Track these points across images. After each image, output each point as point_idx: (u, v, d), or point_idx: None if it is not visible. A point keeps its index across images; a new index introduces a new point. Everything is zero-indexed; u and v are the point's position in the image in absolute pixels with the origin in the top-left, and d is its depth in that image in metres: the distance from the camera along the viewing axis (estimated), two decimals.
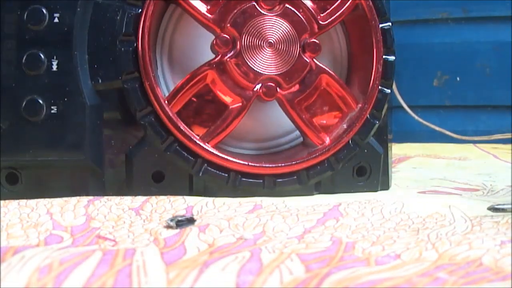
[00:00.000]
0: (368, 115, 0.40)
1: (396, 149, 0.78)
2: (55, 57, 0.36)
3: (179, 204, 0.37)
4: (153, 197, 0.38)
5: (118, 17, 0.37)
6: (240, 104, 0.38)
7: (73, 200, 0.36)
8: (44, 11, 0.36)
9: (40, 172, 0.37)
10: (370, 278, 0.23)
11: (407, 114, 0.87)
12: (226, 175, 0.38)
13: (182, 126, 0.37)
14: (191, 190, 0.38)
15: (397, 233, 0.31)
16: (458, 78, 0.95)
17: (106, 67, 0.37)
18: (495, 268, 0.24)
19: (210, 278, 0.23)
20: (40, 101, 0.36)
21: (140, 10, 0.36)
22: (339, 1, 0.39)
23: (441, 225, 0.32)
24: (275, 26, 0.38)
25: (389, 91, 0.41)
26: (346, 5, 0.39)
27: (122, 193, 0.38)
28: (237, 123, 0.38)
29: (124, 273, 0.23)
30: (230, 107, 0.38)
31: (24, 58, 0.36)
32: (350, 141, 0.40)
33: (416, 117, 0.88)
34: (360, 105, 0.40)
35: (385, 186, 0.42)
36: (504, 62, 0.93)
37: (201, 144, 0.37)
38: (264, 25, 0.38)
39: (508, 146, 0.79)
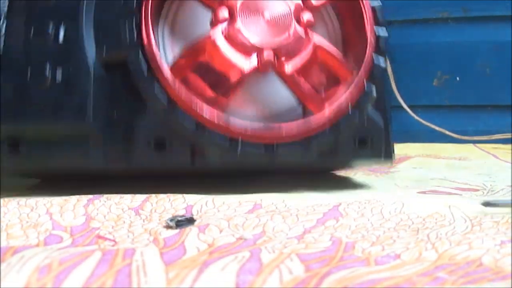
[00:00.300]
0: (365, 85, 0.41)
1: (396, 149, 0.78)
2: (62, 28, 0.37)
3: (178, 204, 0.37)
4: (153, 195, 0.38)
5: None
6: (239, 76, 0.39)
7: (73, 199, 0.36)
8: None
9: (41, 140, 0.37)
10: (370, 277, 0.23)
11: (407, 114, 0.87)
12: (228, 140, 0.38)
13: (184, 93, 0.37)
14: (193, 158, 0.38)
15: (397, 233, 0.31)
16: (458, 78, 0.95)
17: (111, 39, 0.38)
18: (495, 268, 0.24)
19: (210, 278, 0.23)
20: (46, 70, 0.37)
21: None
22: None
23: (441, 225, 0.32)
24: (271, 2, 0.39)
25: (383, 64, 0.42)
26: None
27: (123, 162, 0.38)
28: (237, 93, 0.39)
29: (124, 273, 0.23)
30: (230, 78, 0.39)
31: (32, 28, 0.37)
32: (349, 110, 0.40)
33: (416, 117, 0.88)
34: (356, 74, 0.41)
35: (389, 156, 0.43)
36: (504, 62, 0.93)
37: (203, 111, 0.37)
38: (261, 1, 0.39)
39: (508, 146, 0.79)
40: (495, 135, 0.86)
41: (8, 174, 0.41)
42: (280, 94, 0.41)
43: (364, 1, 0.42)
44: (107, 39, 0.38)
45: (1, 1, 0.38)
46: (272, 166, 0.39)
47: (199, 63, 0.39)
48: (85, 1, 0.38)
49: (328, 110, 0.40)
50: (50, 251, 0.25)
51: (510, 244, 0.27)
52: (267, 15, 0.39)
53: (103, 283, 0.22)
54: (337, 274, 0.23)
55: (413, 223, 0.33)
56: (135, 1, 0.38)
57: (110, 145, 0.38)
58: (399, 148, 0.78)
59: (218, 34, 0.38)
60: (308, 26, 0.40)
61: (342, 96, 0.40)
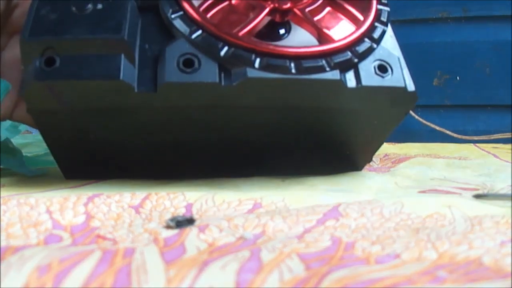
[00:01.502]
0: (374, 23, 0.44)
1: (396, 149, 0.78)
2: None
3: (179, 202, 0.37)
4: (153, 193, 0.38)
5: None
6: (258, 11, 0.42)
7: (73, 197, 0.36)
8: None
9: (77, 52, 0.39)
10: (370, 276, 0.23)
11: (407, 114, 0.87)
12: (253, 56, 0.40)
13: (209, 19, 0.41)
14: (220, 75, 0.40)
15: (397, 232, 0.31)
16: (458, 78, 0.95)
17: None
18: (495, 267, 0.24)
19: (210, 276, 0.23)
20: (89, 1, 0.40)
21: None
22: None
23: (441, 225, 0.32)
24: None
25: (386, 8, 0.46)
26: None
27: (153, 81, 0.40)
28: (258, 24, 0.42)
29: (124, 272, 0.23)
30: (252, 16, 0.42)
31: None
32: (364, 38, 0.44)
33: (416, 117, 0.88)
34: (365, 16, 0.45)
35: (409, 85, 0.45)
36: (504, 62, 0.93)
37: (229, 33, 0.40)
38: None
39: (508, 145, 0.79)
40: (495, 135, 0.86)
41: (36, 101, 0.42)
42: (298, 35, 0.44)
43: None
44: None
45: None
46: (297, 83, 0.41)
47: (221, 8, 0.43)
48: None
49: (342, 40, 0.42)
50: (50, 250, 0.25)
51: (510, 244, 0.27)
52: None
53: (103, 283, 0.22)
54: (337, 273, 0.23)
55: (413, 222, 0.33)
56: None
57: (142, 64, 0.40)
58: (399, 148, 0.78)
59: None
60: None
61: (358, 32, 0.43)
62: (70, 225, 0.32)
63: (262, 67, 0.40)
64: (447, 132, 0.87)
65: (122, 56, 0.39)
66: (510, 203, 0.38)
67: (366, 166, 0.57)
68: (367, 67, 0.43)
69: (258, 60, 0.40)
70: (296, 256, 0.26)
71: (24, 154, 0.52)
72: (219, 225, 0.31)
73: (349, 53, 0.42)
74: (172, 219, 0.32)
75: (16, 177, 0.49)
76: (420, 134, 0.90)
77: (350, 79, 0.42)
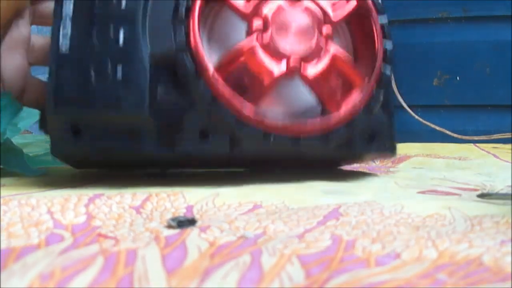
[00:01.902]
0: (374, 90, 0.48)
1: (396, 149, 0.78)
2: (121, 31, 0.42)
3: (179, 204, 0.37)
4: (153, 194, 0.38)
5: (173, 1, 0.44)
6: (271, 78, 0.45)
7: (74, 198, 0.36)
8: None
9: (102, 126, 0.42)
10: (370, 280, 0.23)
11: (407, 114, 0.87)
12: (262, 133, 0.44)
13: (227, 91, 0.43)
14: (232, 147, 0.44)
15: (397, 228, 0.31)
16: (458, 78, 0.95)
17: (163, 41, 0.43)
18: (495, 267, 0.24)
19: (212, 286, 0.23)
20: (108, 68, 0.42)
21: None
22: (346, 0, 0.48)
23: (441, 225, 0.32)
24: (298, 17, 0.45)
25: (389, 72, 0.49)
26: (352, 3, 0.47)
27: (171, 149, 0.43)
28: (269, 93, 0.45)
29: (126, 281, 0.23)
30: (263, 81, 0.45)
31: (95, 31, 0.42)
32: (361, 110, 0.47)
33: (416, 117, 0.89)
34: (367, 81, 0.47)
35: (393, 150, 0.51)
36: (504, 62, 0.93)
37: (242, 107, 0.43)
38: (289, 15, 0.45)
39: (508, 146, 0.79)
40: (495, 135, 0.86)
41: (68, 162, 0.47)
42: (303, 95, 0.47)
43: (374, 20, 0.48)
44: (160, 41, 0.43)
45: (67, 4, 0.43)
46: (297, 156, 0.45)
47: (237, 66, 0.44)
48: (141, 6, 0.43)
49: (343, 110, 0.46)
50: (52, 257, 0.25)
51: (510, 244, 0.27)
52: (294, 26, 0.45)
53: None
54: (338, 279, 0.23)
55: (413, 221, 0.33)
56: (184, 8, 0.43)
57: (162, 134, 0.43)
58: (399, 148, 0.78)
59: (253, 42, 0.44)
60: (327, 38, 0.46)
61: (356, 99, 0.47)
62: (71, 224, 0.32)
63: (268, 143, 0.44)
64: (447, 132, 0.87)
65: (145, 129, 0.42)
66: (510, 203, 0.38)
67: (366, 166, 0.57)
68: (357, 136, 0.48)
69: (265, 136, 0.44)
70: (296, 259, 0.26)
71: (25, 154, 0.52)
72: (220, 226, 0.31)
73: (345, 129, 0.46)
74: (173, 219, 0.32)
75: (16, 177, 0.49)
76: (420, 134, 0.90)
77: (340, 148, 0.47)
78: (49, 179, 0.48)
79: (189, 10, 0.43)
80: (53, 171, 0.53)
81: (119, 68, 0.42)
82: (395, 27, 0.49)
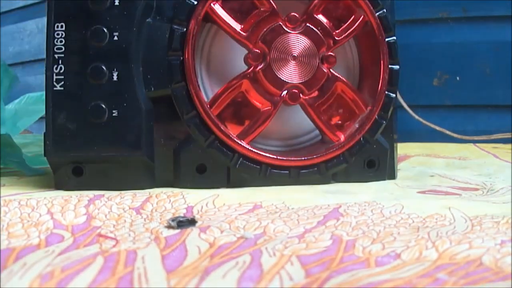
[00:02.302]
0: (376, 116, 0.47)
1: None
2: (115, 69, 0.42)
3: (179, 204, 0.37)
4: (154, 196, 0.38)
5: (167, 35, 0.42)
6: (269, 108, 0.44)
7: (73, 199, 0.36)
8: (105, 30, 0.41)
9: (101, 166, 0.42)
10: (370, 280, 0.23)
11: (407, 114, 0.87)
12: (259, 167, 0.44)
13: (222, 126, 0.43)
14: (229, 180, 0.44)
15: (397, 229, 0.31)
16: (458, 78, 0.95)
17: (157, 77, 0.43)
18: (495, 268, 0.24)
19: (211, 285, 0.23)
20: (103, 106, 0.41)
21: (185, 29, 0.42)
22: (351, 20, 0.46)
23: (441, 225, 0.32)
24: (298, 42, 0.44)
25: (394, 95, 0.48)
26: (357, 23, 0.46)
27: (170, 184, 0.43)
28: (267, 124, 0.45)
29: (126, 280, 0.23)
30: (261, 110, 0.45)
31: (89, 70, 0.41)
32: (361, 138, 0.46)
33: (416, 117, 0.88)
34: (369, 107, 0.47)
35: (392, 176, 0.49)
36: (504, 62, 0.93)
37: (238, 141, 0.43)
38: (288, 41, 0.44)
39: (508, 145, 0.79)
40: (495, 135, 0.86)
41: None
42: (301, 124, 0.47)
43: (381, 37, 0.47)
44: (154, 77, 0.42)
45: (59, 39, 0.41)
46: (295, 185, 0.45)
47: (234, 97, 0.44)
48: (134, 44, 0.42)
49: (343, 138, 0.46)
50: (52, 257, 0.25)
51: (510, 244, 0.27)
52: (295, 54, 0.44)
53: None
54: (337, 278, 0.23)
55: (413, 221, 0.33)
56: (178, 42, 0.42)
57: (159, 170, 0.44)
58: (399, 148, 0.78)
59: (254, 71, 0.44)
60: (330, 65, 0.45)
61: (356, 127, 0.46)
62: (71, 224, 0.32)
63: (266, 176, 0.44)
64: (447, 132, 0.87)
65: (143, 168, 0.43)
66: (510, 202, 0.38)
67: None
68: (357, 164, 0.47)
69: (263, 171, 0.44)
70: (296, 260, 0.26)
71: (24, 154, 0.52)
72: (220, 226, 0.31)
73: (344, 158, 0.46)
74: (173, 219, 0.32)
75: (16, 177, 0.49)
76: (420, 134, 0.90)
77: (337, 175, 0.47)
78: (49, 179, 0.48)
79: (184, 37, 0.43)
80: None
81: (114, 107, 0.42)
82: (395, 27, 0.49)
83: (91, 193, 0.38)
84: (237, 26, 0.43)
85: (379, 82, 0.47)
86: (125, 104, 0.42)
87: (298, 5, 0.45)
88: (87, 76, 0.41)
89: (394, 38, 0.48)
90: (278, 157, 0.44)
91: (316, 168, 0.45)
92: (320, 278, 0.23)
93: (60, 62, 0.42)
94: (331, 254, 0.27)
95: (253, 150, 0.44)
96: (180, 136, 0.44)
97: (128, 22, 0.42)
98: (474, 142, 0.84)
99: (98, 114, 0.41)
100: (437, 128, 0.87)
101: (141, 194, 0.38)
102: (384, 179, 0.48)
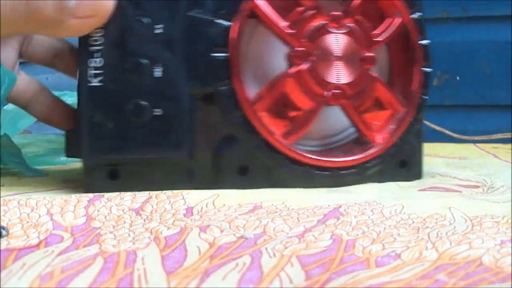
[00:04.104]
0: (411, 120, 0.47)
1: None
2: (158, 65, 0.39)
3: (179, 205, 0.37)
4: (153, 197, 0.38)
5: (210, 30, 0.40)
6: (313, 108, 0.43)
7: (73, 200, 0.36)
8: (148, 22, 0.39)
9: (139, 168, 0.40)
10: (370, 282, 0.23)
11: None
12: (302, 168, 0.43)
13: (267, 126, 0.42)
14: (271, 182, 0.43)
15: (397, 230, 0.31)
16: (458, 78, 0.95)
17: (200, 74, 0.40)
18: (495, 268, 0.24)
19: (211, 286, 0.23)
20: (145, 104, 0.39)
21: (229, 24, 0.41)
22: (388, 21, 0.46)
23: (441, 225, 0.32)
24: (342, 42, 0.43)
25: (427, 97, 0.48)
26: (395, 24, 0.46)
27: (209, 185, 0.41)
28: (310, 124, 0.44)
29: (126, 282, 0.23)
30: (304, 110, 0.44)
31: (130, 66, 0.39)
32: (397, 139, 0.46)
33: None
34: (405, 109, 0.47)
35: (419, 176, 0.49)
36: (504, 62, 0.93)
37: (283, 142, 0.42)
38: (333, 40, 0.43)
39: (508, 145, 0.79)
40: (495, 135, 0.86)
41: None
42: (340, 124, 0.47)
43: (416, 39, 0.47)
44: (197, 74, 0.40)
45: (94, 37, 0.39)
46: (335, 186, 0.44)
47: (278, 96, 0.43)
48: (177, 38, 0.39)
49: (381, 139, 0.46)
50: (51, 257, 0.25)
51: (510, 244, 0.27)
52: (339, 54, 0.43)
53: None
54: (337, 280, 0.23)
55: (413, 222, 0.33)
56: (223, 38, 0.40)
57: (198, 171, 0.42)
58: None
59: (297, 71, 0.42)
60: (370, 65, 0.45)
61: (393, 128, 0.46)
62: (70, 225, 0.32)
63: (308, 176, 0.44)
64: (447, 132, 0.87)
65: (184, 170, 0.41)
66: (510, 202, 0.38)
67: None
68: (390, 164, 0.47)
69: (305, 170, 0.43)
70: (296, 260, 0.26)
71: (24, 154, 0.52)
72: (220, 225, 0.31)
73: (381, 158, 0.46)
74: None
75: (16, 177, 0.49)
76: None
77: (373, 175, 0.46)
78: (49, 180, 0.48)
79: (228, 33, 0.41)
80: (53, 171, 0.53)
81: (156, 105, 0.39)
82: None
83: (91, 194, 0.38)
84: (281, 23, 0.42)
85: (414, 84, 0.47)
86: (168, 102, 0.40)
87: (333, 4, 0.44)
88: (128, 71, 0.39)
89: (428, 41, 0.48)
90: (320, 158, 0.44)
91: (356, 169, 0.45)
92: (320, 280, 0.23)
93: (97, 56, 0.39)
94: (331, 254, 0.27)
95: (297, 150, 0.43)
96: (220, 136, 0.42)
97: (172, 14, 0.40)
98: (474, 142, 0.84)
99: (140, 113, 0.39)
100: (437, 128, 0.87)
101: (140, 195, 0.38)
102: (414, 179, 0.48)
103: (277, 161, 0.43)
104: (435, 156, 0.70)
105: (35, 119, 0.55)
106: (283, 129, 0.43)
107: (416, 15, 0.47)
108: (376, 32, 0.45)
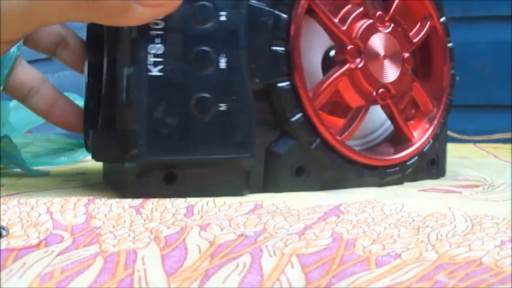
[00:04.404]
0: (442, 120, 0.48)
1: None
2: (222, 55, 0.36)
3: (179, 203, 0.37)
4: None
5: (271, 22, 0.38)
6: (363, 105, 0.43)
7: (73, 198, 0.36)
8: (212, 8, 0.36)
9: (199, 171, 0.37)
10: (371, 287, 0.23)
11: None
12: (355, 167, 0.43)
13: (326, 125, 0.41)
14: (323, 183, 0.42)
15: (398, 230, 0.31)
16: (458, 78, 0.95)
17: (261, 67, 0.38)
18: (495, 268, 0.24)
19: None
20: (210, 98, 0.36)
21: (289, 17, 0.39)
22: (421, 23, 0.47)
23: (441, 224, 0.32)
24: (387, 41, 0.44)
25: (452, 98, 0.49)
26: (427, 27, 0.47)
27: (262, 188, 0.40)
28: (361, 123, 0.43)
29: (126, 283, 0.23)
30: (354, 108, 0.43)
31: (193, 55, 0.36)
32: (430, 138, 0.47)
33: None
34: (435, 108, 0.48)
35: (443, 173, 0.51)
36: (504, 62, 0.93)
37: (339, 141, 0.41)
38: (380, 39, 0.43)
39: (508, 145, 0.79)
40: (495, 135, 0.86)
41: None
42: (380, 123, 0.47)
43: (444, 42, 0.48)
44: (258, 68, 0.38)
45: (156, 21, 0.35)
46: (380, 186, 0.44)
47: (332, 94, 0.42)
48: (242, 27, 0.37)
49: (418, 138, 0.47)
50: (51, 257, 0.25)
51: (510, 244, 0.27)
52: (385, 53, 0.44)
53: None
54: (337, 285, 0.23)
55: (413, 220, 0.33)
56: (284, 30, 0.38)
57: (256, 174, 0.39)
58: None
59: (352, 68, 0.42)
60: (409, 65, 0.45)
61: (427, 127, 0.47)
62: (70, 225, 0.32)
63: (360, 175, 0.43)
64: (447, 132, 0.87)
65: (242, 171, 0.38)
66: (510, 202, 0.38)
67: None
68: (422, 163, 0.48)
69: (357, 170, 0.43)
70: (296, 260, 0.26)
71: (24, 154, 0.52)
72: (220, 224, 0.31)
73: (420, 156, 0.47)
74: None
75: (16, 177, 0.49)
76: None
77: (409, 174, 0.47)
78: (49, 180, 0.48)
79: (288, 26, 0.38)
80: (53, 171, 0.53)
81: (221, 102, 0.36)
82: None
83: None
84: (336, 20, 0.42)
85: (442, 85, 0.48)
86: (233, 97, 0.36)
87: (372, 4, 0.45)
88: (192, 60, 0.35)
89: (452, 44, 0.49)
90: (372, 157, 0.44)
91: (398, 168, 0.45)
92: (320, 285, 0.23)
93: (158, 41, 0.35)
94: (332, 253, 0.27)
95: (352, 149, 0.42)
96: (275, 135, 0.40)
97: (235, 1, 0.37)
98: (474, 142, 0.84)
99: (204, 108, 0.35)
100: None
101: None
102: (439, 177, 0.49)
103: (333, 161, 0.41)
104: None
105: (40, 122, 0.55)
106: (335, 128, 0.42)
107: (443, 19, 0.48)
108: (412, 33, 0.46)
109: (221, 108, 0.36)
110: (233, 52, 0.36)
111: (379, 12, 0.44)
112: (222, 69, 0.36)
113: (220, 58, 0.36)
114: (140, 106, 0.35)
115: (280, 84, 0.39)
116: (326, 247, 0.28)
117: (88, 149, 0.42)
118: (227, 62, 0.36)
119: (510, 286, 0.22)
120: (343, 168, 0.42)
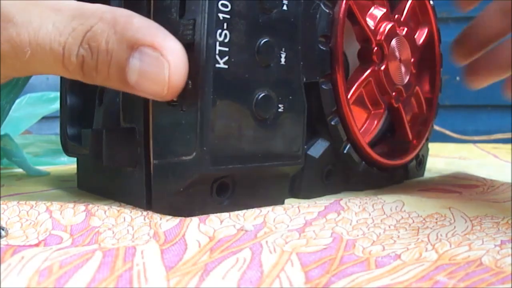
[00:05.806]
0: (432, 120, 0.49)
1: None
2: (283, 49, 0.32)
3: None
4: None
5: (318, 17, 0.36)
6: (381, 108, 0.44)
7: (73, 198, 0.36)
8: None
9: (251, 182, 0.33)
10: (370, 285, 0.23)
11: None
12: (374, 169, 0.43)
13: (356, 128, 0.39)
14: (345, 186, 0.41)
15: (397, 232, 0.31)
16: (458, 78, 0.95)
17: (309, 65, 0.35)
18: (496, 268, 0.24)
19: (211, 286, 0.23)
20: (273, 98, 0.31)
21: (332, 13, 0.37)
22: (422, 29, 0.49)
23: (441, 225, 0.32)
24: (403, 45, 0.44)
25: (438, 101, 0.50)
26: (426, 31, 0.49)
27: (298, 195, 0.38)
28: (380, 124, 0.44)
29: (125, 278, 0.23)
30: (372, 111, 0.43)
31: (258, 46, 0.30)
32: (424, 138, 0.48)
33: None
34: (428, 111, 0.49)
35: (423, 173, 0.52)
36: None
37: (364, 145, 0.41)
38: (398, 42, 0.43)
39: (508, 146, 0.80)
40: (495, 135, 0.86)
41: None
42: (384, 124, 0.47)
43: (438, 46, 0.49)
44: (305, 65, 0.34)
45: (223, 2, 0.29)
46: (388, 184, 0.45)
47: (359, 94, 0.42)
48: (300, 19, 0.33)
49: (419, 142, 0.48)
50: (50, 252, 0.25)
51: (510, 244, 0.27)
52: (402, 56, 0.44)
53: None
54: (337, 284, 0.23)
55: (413, 221, 0.33)
56: (329, 26, 0.36)
57: (295, 180, 0.37)
58: None
59: (378, 69, 0.42)
60: (415, 69, 0.46)
61: (421, 128, 0.48)
62: (70, 224, 0.32)
63: (377, 177, 0.44)
64: (447, 132, 0.87)
65: (288, 180, 0.36)
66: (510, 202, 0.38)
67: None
68: (414, 163, 0.49)
69: (375, 171, 0.43)
70: (296, 258, 0.26)
71: (24, 154, 0.52)
72: (220, 216, 0.31)
73: (418, 157, 0.48)
74: None
75: (16, 177, 0.49)
76: None
77: (399, 174, 0.48)
78: (49, 180, 0.48)
79: (332, 23, 0.36)
80: (53, 171, 0.53)
81: (280, 101, 0.32)
82: None
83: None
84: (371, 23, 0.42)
85: (434, 88, 0.49)
86: (290, 97, 0.32)
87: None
88: (256, 52, 0.30)
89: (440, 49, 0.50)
90: (386, 159, 0.44)
91: (402, 169, 0.46)
92: (320, 284, 0.23)
93: (225, 27, 0.29)
94: (331, 253, 0.27)
95: (374, 152, 0.42)
96: (307, 137, 0.36)
97: None
98: (474, 142, 0.84)
99: (267, 108, 0.31)
100: (437, 128, 0.87)
101: None
102: (421, 176, 0.51)
103: (358, 164, 0.41)
104: (435, 156, 0.70)
105: (36, 120, 0.55)
106: (364, 133, 0.42)
107: (438, 25, 0.49)
108: (416, 37, 0.47)
109: (280, 109, 0.32)
110: (292, 46, 0.32)
111: (397, 15, 0.44)
112: (282, 65, 0.32)
113: (281, 52, 0.32)
114: (205, 104, 0.28)
115: (323, 85, 0.36)
116: (326, 247, 0.28)
117: (66, 151, 0.38)
118: (286, 57, 0.32)
119: (510, 285, 0.22)
120: (366, 171, 0.42)
